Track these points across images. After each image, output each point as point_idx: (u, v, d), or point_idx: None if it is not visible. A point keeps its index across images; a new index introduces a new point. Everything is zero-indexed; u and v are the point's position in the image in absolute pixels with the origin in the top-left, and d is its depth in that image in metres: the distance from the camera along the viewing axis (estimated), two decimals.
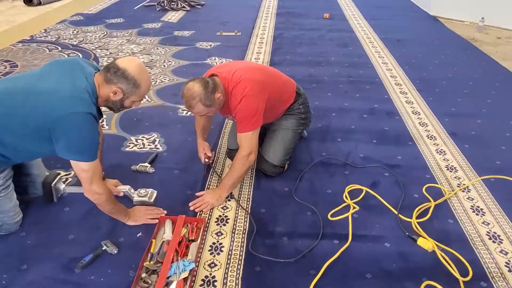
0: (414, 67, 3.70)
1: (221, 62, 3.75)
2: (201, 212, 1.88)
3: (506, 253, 1.68)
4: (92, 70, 1.58)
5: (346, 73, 3.55)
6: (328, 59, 3.89)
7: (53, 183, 1.87)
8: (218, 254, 1.67)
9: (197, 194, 1.98)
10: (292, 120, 2.17)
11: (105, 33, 4.54)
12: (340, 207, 1.93)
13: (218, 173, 2.18)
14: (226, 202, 1.96)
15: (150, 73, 3.45)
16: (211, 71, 1.99)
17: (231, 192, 2.00)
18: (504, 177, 2.14)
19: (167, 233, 1.71)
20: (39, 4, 5.62)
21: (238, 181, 1.98)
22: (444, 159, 2.32)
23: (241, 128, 1.90)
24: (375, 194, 2.01)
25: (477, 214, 1.90)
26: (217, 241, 1.73)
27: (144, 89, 1.59)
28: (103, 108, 1.66)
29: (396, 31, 4.79)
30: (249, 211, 1.90)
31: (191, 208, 1.90)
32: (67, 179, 2.09)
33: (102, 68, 1.60)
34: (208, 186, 2.09)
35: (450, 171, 2.21)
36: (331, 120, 2.75)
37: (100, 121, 2.58)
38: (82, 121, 1.46)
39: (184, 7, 5.57)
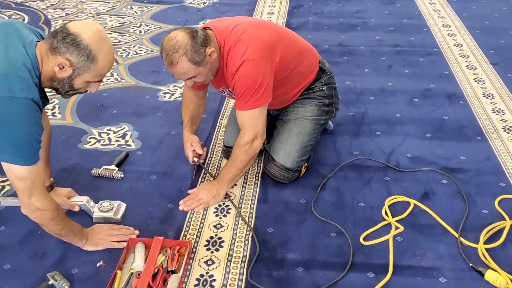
0: (487, 32, 3.65)
1: None
2: (186, 234, 1.89)
3: None
4: (34, 38, 1.57)
5: (391, 41, 3.52)
6: (367, 21, 3.86)
7: None
8: None
9: (189, 191, 2.06)
10: (312, 106, 2.16)
11: None
12: (377, 226, 1.92)
13: (212, 177, 2.19)
14: (224, 211, 1.96)
15: (120, 41, 3.48)
16: (205, 25, 2.00)
17: (231, 197, 2.05)
18: None
19: (137, 261, 1.71)
20: None
21: (240, 174, 2.04)
22: None
23: (242, 104, 1.91)
24: (427, 209, 2.00)
25: None
26: (207, 273, 1.73)
27: (102, 66, 1.57)
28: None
29: None
30: (251, 227, 1.91)
31: (181, 208, 1.98)
32: (3, 187, 2.10)
33: (48, 34, 1.59)
34: None
35: None
36: (368, 106, 2.73)
37: (50, 108, 2.64)
38: (18, 110, 1.45)
39: None
